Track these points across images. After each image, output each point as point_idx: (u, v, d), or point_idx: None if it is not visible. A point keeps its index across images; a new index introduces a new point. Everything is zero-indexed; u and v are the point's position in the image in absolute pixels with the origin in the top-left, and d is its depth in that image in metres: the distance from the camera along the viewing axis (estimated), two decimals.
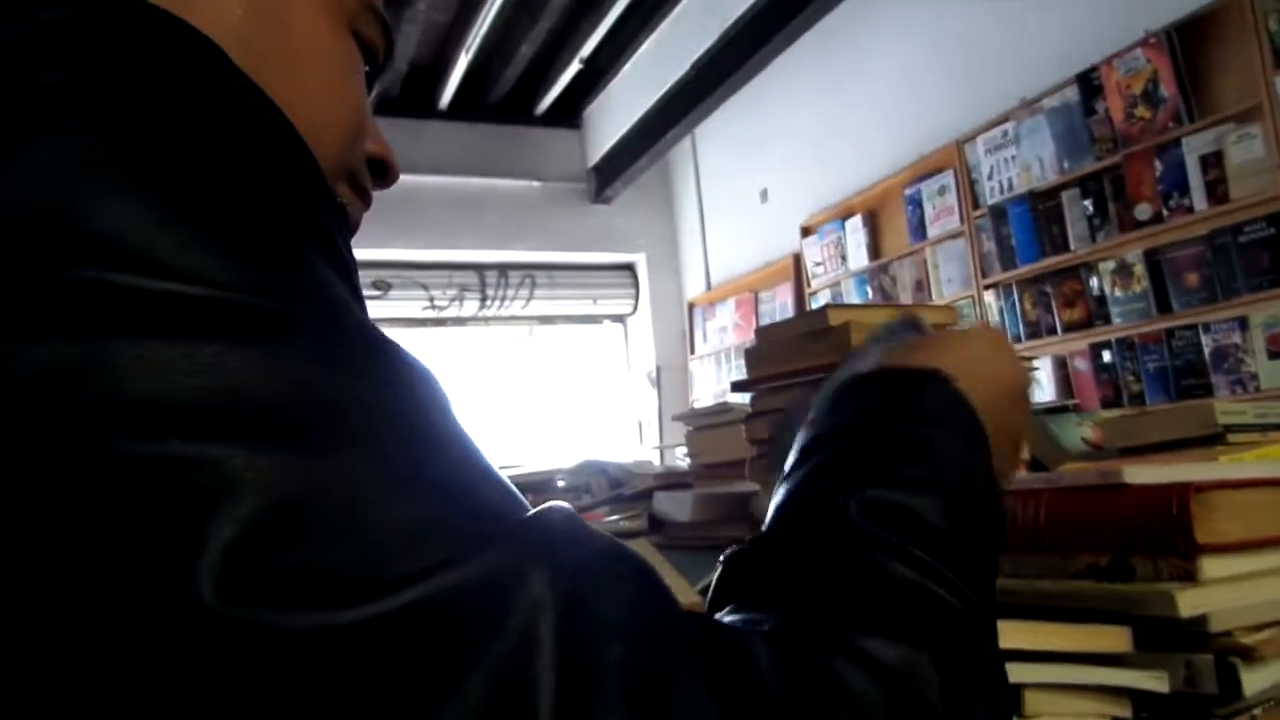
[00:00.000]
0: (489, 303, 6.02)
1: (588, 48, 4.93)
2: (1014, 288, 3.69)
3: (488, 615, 0.25)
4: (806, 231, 5.00)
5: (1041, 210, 3.53)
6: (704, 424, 1.44)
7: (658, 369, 6.14)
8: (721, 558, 0.40)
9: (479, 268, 5.98)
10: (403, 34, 4.56)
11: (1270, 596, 0.62)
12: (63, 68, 0.28)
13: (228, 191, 0.29)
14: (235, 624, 0.23)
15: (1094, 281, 3.36)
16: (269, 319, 0.27)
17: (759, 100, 4.95)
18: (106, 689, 0.24)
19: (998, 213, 3.73)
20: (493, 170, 5.72)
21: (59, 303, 0.25)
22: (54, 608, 0.24)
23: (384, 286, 5.60)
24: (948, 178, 4.03)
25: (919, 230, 4.21)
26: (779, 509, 0.41)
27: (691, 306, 6.19)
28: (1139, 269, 3.18)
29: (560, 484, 1.66)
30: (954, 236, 4.01)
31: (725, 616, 0.36)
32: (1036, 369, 3.25)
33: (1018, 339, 3.62)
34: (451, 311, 5.93)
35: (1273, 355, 2.84)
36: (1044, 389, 3.49)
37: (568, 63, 5.12)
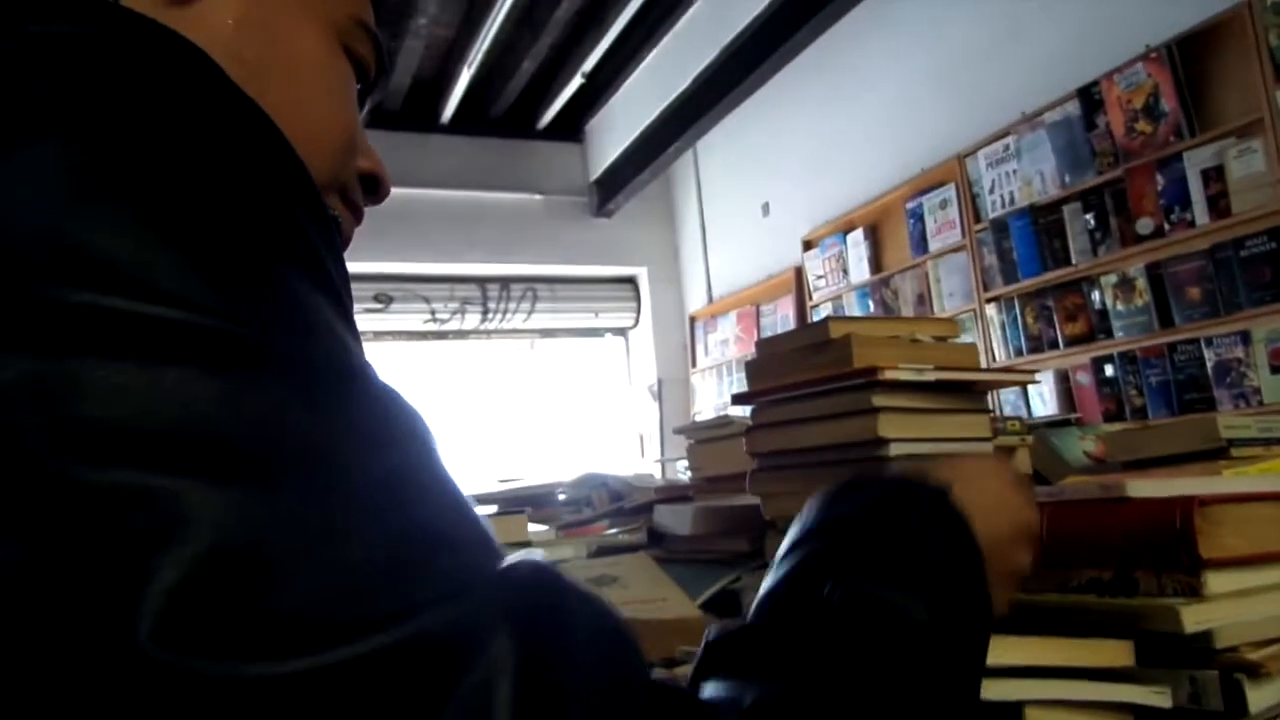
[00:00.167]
0: (491, 316, 6.02)
1: (590, 62, 4.95)
2: (1016, 301, 3.69)
3: (443, 672, 0.24)
4: (808, 245, 5.00)
5: (1043, 224, 3.54)
6: (705, 437, 1.44)
7: (659, 382, 6.14)
8: (705, 638, 0.40)
9: (481, 281, 5.99)
10: (406, 49, 4.59)
11: (1276, 611, 0.61)
12: (50, 83, 0.28)
13: (209, 211, 0.28)
14: (168, 670, 0.22)
15: (1096, 295, 3.35)
16: (239, 346, 0.26)
17: (761, 114, 4.96)
18: None
19: (999, 226, 3.73)
20: (495, 184, 5.73)
21: (28, 319, 0.24)
22: None
23: (386, 299, 5.61)
24: (949, 191, 4.04)
25: (920, 244, 4.22)
26: (769, 592, 0.43)
27: (693, 320, 6.19)
28: (1140, 283, 3.18)
29: (561, 497, 1.66)
30: (955, 250, 4.01)
31: (706, 688, 0.37)
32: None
33: (1020, 353, 3.62)
34: (453, 325, 5.94)
35: (1275, 369, 2.83)
36: (1046, 403, 3.49)
37: (570, 77, 5.14)
